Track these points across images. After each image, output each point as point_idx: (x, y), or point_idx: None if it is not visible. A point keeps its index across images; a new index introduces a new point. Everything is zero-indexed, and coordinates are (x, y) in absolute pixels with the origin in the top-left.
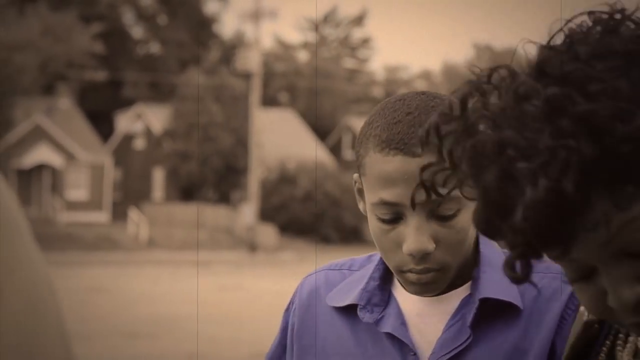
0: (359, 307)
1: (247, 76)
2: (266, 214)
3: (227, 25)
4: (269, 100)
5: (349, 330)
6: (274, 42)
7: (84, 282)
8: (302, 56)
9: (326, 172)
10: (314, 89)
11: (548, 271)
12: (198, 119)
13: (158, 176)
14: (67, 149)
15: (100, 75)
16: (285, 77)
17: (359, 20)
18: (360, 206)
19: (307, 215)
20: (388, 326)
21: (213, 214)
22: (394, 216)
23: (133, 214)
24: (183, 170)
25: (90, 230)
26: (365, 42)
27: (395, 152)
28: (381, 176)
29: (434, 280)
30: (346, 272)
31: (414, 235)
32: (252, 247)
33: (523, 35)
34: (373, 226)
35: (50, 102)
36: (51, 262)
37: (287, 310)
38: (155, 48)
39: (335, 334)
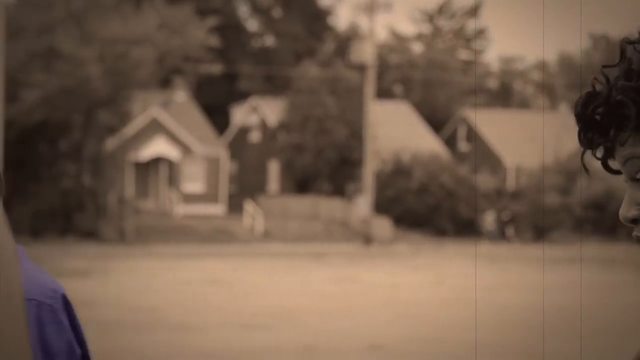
0: None
1: (361, 68)
2: (381, 206)
3: (342, 18)
4: (383, 92)
5: None
6: (388, 34)
7: (200, 274)
8: (417, 48)
9: (441, 164)
10: (429, 80)
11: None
12: (313, 112)
13: (273, 169)
14: (183, 142)
15: (215, 69)
16: (399, 69)
17: (473, 11)
18: None
19: (422, 207)
20: None
21: (328, 206)
22: None
23: (248, 207)
24: (298, 163)
25: (206, 223)
26: (480, 33)
27: None
28: None
29: None
30: None
31: None
32: (367, 239)
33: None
34: None
35: (166, 95)
36: (168, 254)
37: None
38: (270, 41)
39: None
